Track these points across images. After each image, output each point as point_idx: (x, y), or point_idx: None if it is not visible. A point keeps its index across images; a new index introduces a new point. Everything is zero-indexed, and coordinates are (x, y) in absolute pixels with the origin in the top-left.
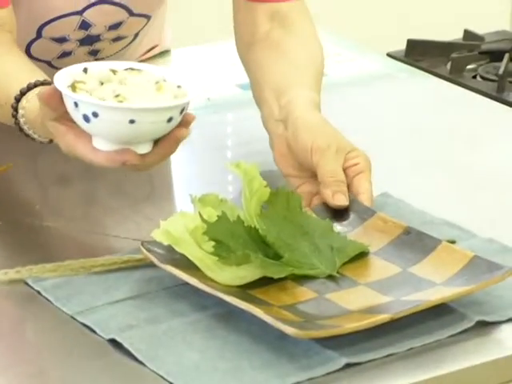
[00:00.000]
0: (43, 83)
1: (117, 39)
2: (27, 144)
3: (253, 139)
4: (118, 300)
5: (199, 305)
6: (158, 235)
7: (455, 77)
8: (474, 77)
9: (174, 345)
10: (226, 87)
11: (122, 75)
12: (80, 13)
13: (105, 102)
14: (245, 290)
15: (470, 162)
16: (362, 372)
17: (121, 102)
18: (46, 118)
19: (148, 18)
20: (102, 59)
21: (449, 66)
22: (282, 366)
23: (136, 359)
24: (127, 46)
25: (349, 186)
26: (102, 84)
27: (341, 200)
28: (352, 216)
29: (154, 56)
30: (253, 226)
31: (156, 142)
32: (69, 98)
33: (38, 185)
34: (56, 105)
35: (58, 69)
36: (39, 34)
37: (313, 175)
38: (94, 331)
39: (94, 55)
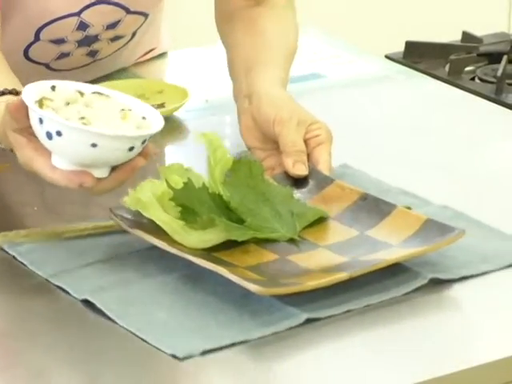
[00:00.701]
0: (11, 92)
1: (115, 39)
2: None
3: None
4: (90, 263)
5: (167, 267)
6: (128, 202)
7: (453, 78)
8: (473, 79)
9: (144, 305)
10: (224, 89)
11: (88, 98)
12: (77, 14)
13: (70, 122)
14: (210, 253)
15: (468, 163)
16: (322, 327)
17: (85, 124)
18: (8, 127)
19: (145, 15)
20: (101, 60)
21: (447, 67)
22: (246, 322)
23: (108, 318)
24: (125, 45)
25: (309, 156)
26: (67, 104)
27: (300, 169)
28: (311, 184)
29: (152, 58)
30: (217, 192)
31: (113, 167)
32: (34, 114)
33: (35, 185)
34: (21, 118)
35: (55, 71)
36: (37, 37)
37: (276, 147)
38: (67, 292)
39: (93, 56)
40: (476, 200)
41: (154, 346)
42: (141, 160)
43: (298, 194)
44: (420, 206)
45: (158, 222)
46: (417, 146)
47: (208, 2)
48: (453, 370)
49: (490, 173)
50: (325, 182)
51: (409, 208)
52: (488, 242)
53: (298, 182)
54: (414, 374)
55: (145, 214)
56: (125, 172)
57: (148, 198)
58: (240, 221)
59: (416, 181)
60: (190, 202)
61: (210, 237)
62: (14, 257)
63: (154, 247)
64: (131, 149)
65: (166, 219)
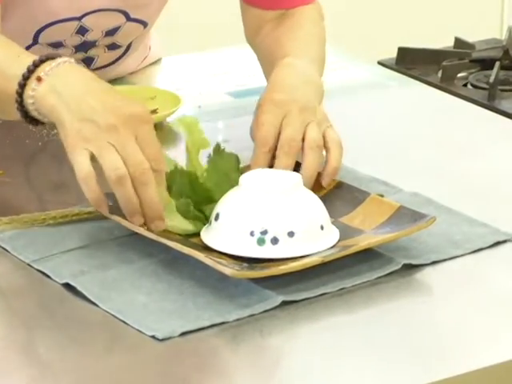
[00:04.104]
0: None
1: (111, 47)
2: (20, 151)
3: (244, 147)
4: (71, 249)
5: (146, 252)
6: None
7: (446, 85)
8: (465, 85)
9: (124, 288)
10: (217, 95)
11: None
12: (79, 18)
13: None
14: (188, 239)
15: (460, 170)
16: (297, 309)
17: None
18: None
19: (145, 24)
20: (97, 69)
21: (440, 73)
22: (224, 305)
23: (88, 301)
24: (119, 58)
25: None
26: None
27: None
28: None
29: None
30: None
31: None
32: None
33: (30, 191)
34: None
35: None
36: (35, 40)
37: None
38: (48, 277)
39: (89, 63)
40: (460, 195)
41: (135, 328)
42: None
43: None
44: (392, 193)
45: None
46: (408, 153)
47: (200, 10)
48: (424, 351)
49: (481, 175)
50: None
51: (381, 196)
52: (457, 228)
53: None
54: (386, 355)
55: None
56: None
57: None
58: (209, 199)
59: (405, 181)
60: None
61: (186, 227)
62: None
63: (134, 233)
64: None
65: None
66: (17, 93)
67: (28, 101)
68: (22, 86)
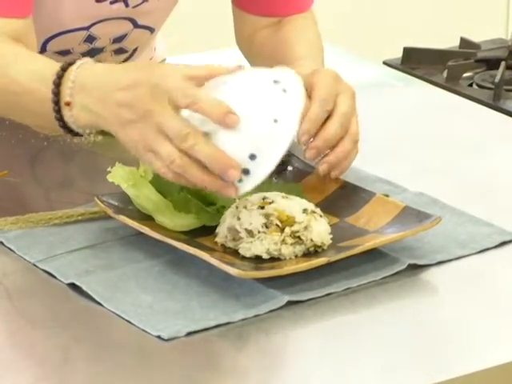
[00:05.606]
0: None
1: (118, 51)
2: (25, 150)
3: None
4: (76, 249)
5: (152, 252)
6: (114, 178)
7: (451, 85)
8: (470, 85)
9: (129, 288)
10: None
11: None
12: (87, 28)
13: None
14: (193, 238)
15: (465, 170)
16: (302, 309)
17: None
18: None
19: (152, 30)
20: None
21: (445, 73)
22: (230, 304)
23: (94, 301)
24: (126, 60)
25: None
26: None
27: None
28: (292, 172)
29: None
30: None
31: None
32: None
33: (36, 191)
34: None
35: None
36: (44, 48)
37: None
38: (54, 276)
39: None
40: (465, 194)
41: (140, 328)
42: None
43: (274, 179)
44: (397, 193)
45: (143, 200)
46: (414, 151)
47: (204, 10)
48: (429, 351)
49: (486, 175)
50: (306, 170)
51: (386, 195)
52: (462, 228)
53: (278, 170)
54: (392, 355)
55: (134, 191)
56: None
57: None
58: (210, 204)
59: (410, 180)
60: (167, 186)
61: (189, 222)
62: (1, 242)
63: (139, 233)
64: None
65: (156, 199)
66: (56, 118)
67: (72, 126)
68: (58, 111)
